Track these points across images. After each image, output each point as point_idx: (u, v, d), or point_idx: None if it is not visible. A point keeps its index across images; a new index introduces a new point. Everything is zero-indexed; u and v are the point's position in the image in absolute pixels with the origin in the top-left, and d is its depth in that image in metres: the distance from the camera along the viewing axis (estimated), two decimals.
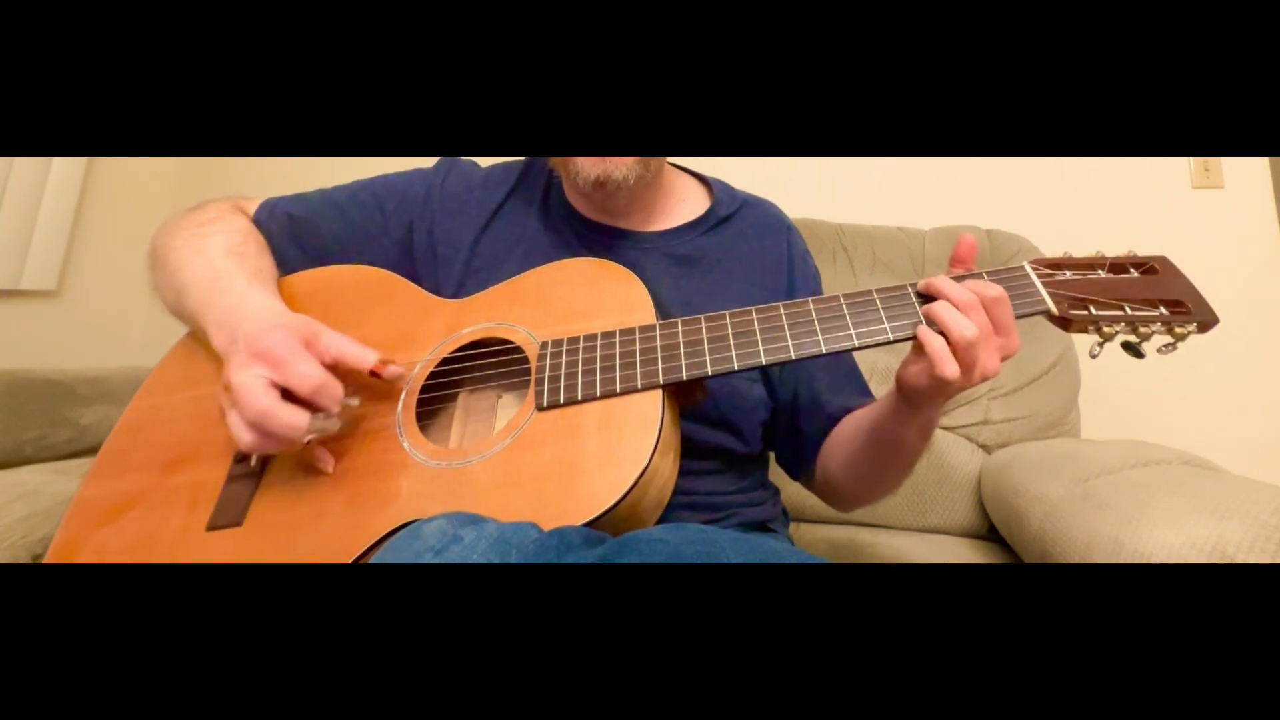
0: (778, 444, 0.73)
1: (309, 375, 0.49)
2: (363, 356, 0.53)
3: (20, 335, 1.24)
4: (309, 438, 0.50)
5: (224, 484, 0.54)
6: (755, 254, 0.70)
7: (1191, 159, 1.29)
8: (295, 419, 0.48)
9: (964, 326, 0.47)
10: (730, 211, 0.71)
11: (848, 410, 0.67)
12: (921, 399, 0.52)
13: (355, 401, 0.54)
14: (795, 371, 0.68)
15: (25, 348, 1.23)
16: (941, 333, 0.48)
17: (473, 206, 0.69)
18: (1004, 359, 0.49)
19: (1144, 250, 0.54)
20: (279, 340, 0.49)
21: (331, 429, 0.51)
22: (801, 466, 0.71)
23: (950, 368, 0.47)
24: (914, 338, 0.50)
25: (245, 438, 0.48)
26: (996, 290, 0.48)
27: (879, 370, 1.08)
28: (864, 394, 0.71)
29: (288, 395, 0.49)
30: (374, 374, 0.53)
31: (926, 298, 0.50)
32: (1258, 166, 1.29)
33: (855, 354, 0.72)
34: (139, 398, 0.62)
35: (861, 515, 1.03)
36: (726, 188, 0.75)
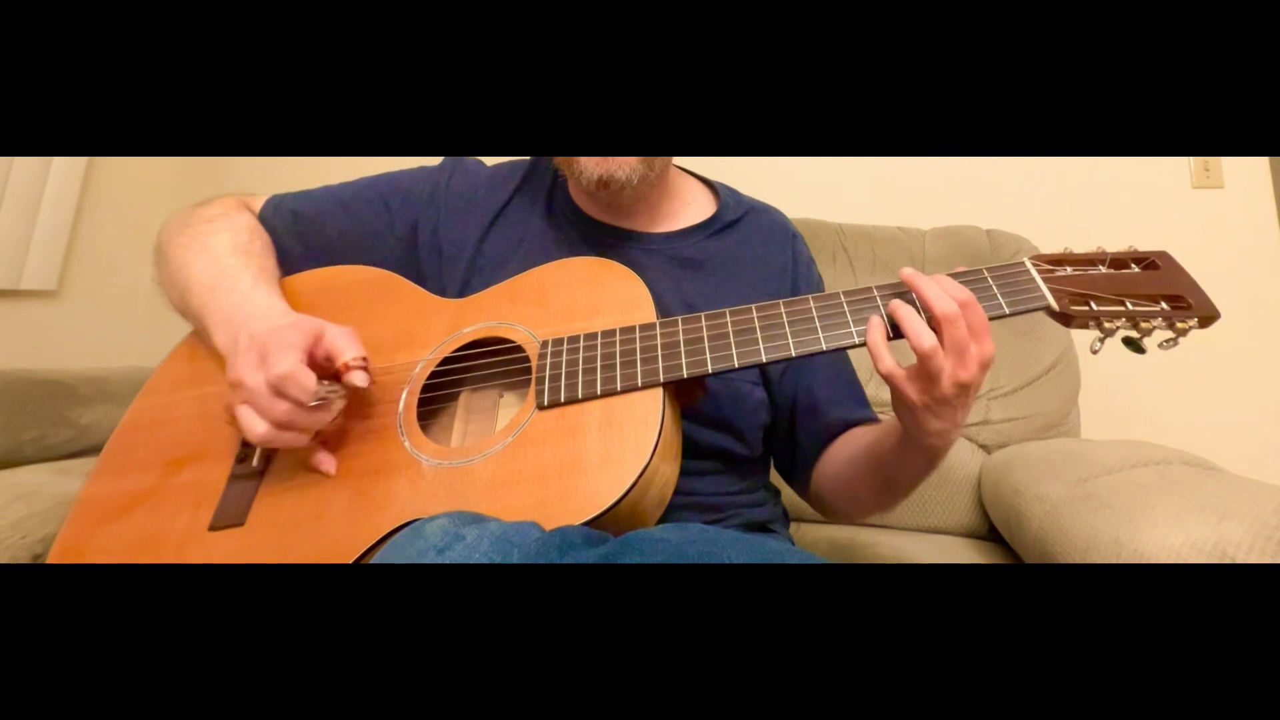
0: (775, 450, 0.73)
1: (275, 366, 0.48)
2: (339, 350, 0.52)
3: (20, 335, 1.23)
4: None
5: (226, 484, 0.54)
6: (760, 260, 0.70)
7: (1191, 159, 1.29)
8: (320, 416, 0.50)
9: (922, 335, 0.46)
10: (736, 216, 0.71)
11: (846, 422, 0.67)
12: (905, 415, 0.51)
13: (335, 392, 0.52)
14: (795, 377, 0.68)
15: (25, 348, 1.23)
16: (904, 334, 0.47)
17: (477, 205, 0.69)
18: (982, 366, 0.47)
19: (1143, 249, 0.54)
20: (280, 338, 0.50)
21: (333, 412, 0.52)
22: (796, 474, 0.71)
23: (884, 362, 0.48)
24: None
25: (258, 429, 0.48)
26: (965, 294, 0.47)
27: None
28: (863, 405, 0.70)
29: None
30: (339, 372, 0.52)
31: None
32: (1258, 166, 1.29)
33: (855, 358, 0.72)
34: (142, 396, 0.62)
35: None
36: (733, 192, 0.75)
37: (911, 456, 0.54)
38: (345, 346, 0.52)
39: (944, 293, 0.47)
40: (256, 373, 0.49)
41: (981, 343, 0.47)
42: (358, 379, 0.51)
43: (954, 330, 0.46)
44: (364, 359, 0.52)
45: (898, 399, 0.50)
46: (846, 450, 0.65)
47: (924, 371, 0.47)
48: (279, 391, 0.48)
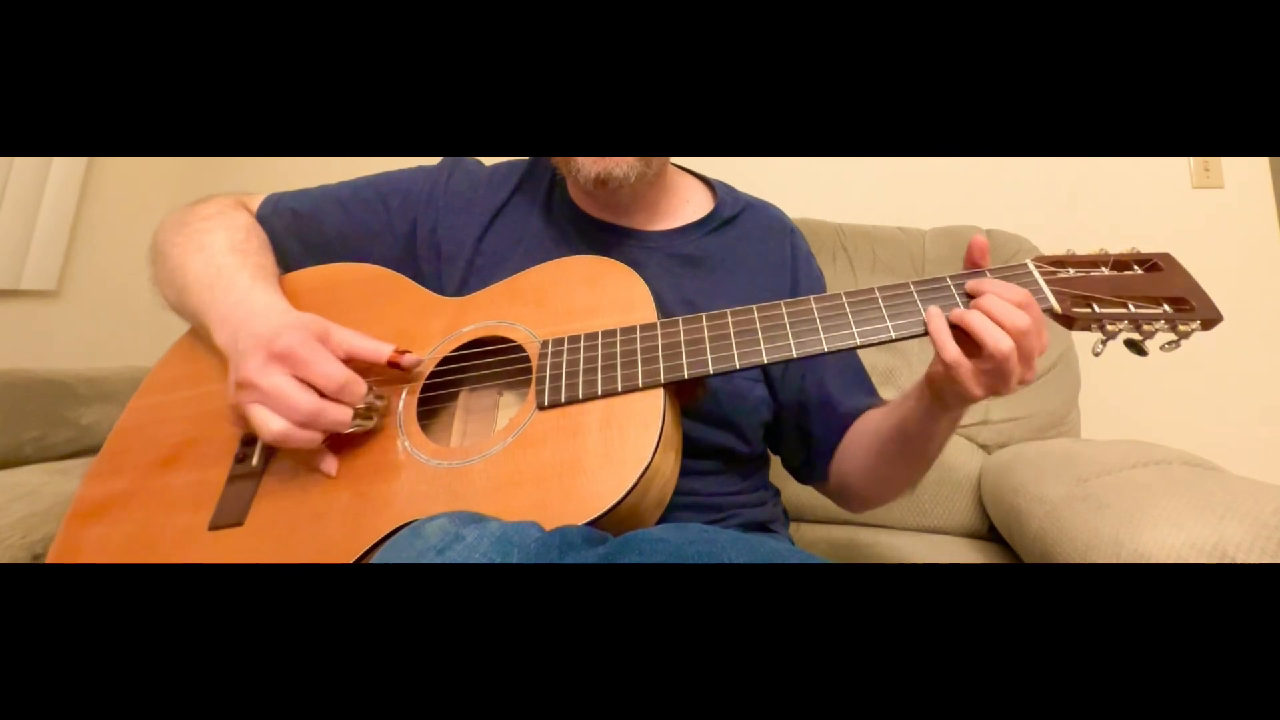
0: (785, 448, 0.72)
1: (333, 375, 0.49)
2: (376, 350, 0.53)
3: (20, 335, 1.23)
4: (350, 430, 0.51)
5: (225, 483, 0.54)
6: (758, 256, 0.70)
7: (1191, 159, 1.29)
8: (343, 415, 0.50)
9: (1000, 340, 0.46)
10: (734, 213, 0.71)
11: (859, 412, 0.67)
12: (953, 398, 0.51)
13: (383, 401, 0.54)
14: (801, 374, 0.68)
15: (25, 348, 1.23)
16: (974, 336, 0.47)
17: (476, 205, 0.69)
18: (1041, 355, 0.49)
19: (1145, 249, 0.54)
20: (297, 340, 0.49)
21: (367, 426, 0.53)
22: (813, 471, 0.70)
23: (949, 351, 0.47)
24: (919, 335, 0.49)
25: (274, 426, 0.48)
26: (1024, 296, 0.48)
27: (879, 370, 1.08)
28: (872, 394, 0.70)
29: None
30: (392, 364, 0.53)
31: (928, 294, 0.50)
32: (1258, 166, 1.29)
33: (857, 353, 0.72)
34: (139, 397, 0.62)
35: (862, 516, 1.03)
36: (730, 189, 0.75)
37: (942, 427, 0.56)
38: (366, 344, 0.53)
39: (1011, 306, 0.47)
40: (272, 374, 0.48)
41: (1041, 338, 0.48)
42: (410, 360, 0.54)
43: (1026, 341, 0.47)
44: (401, 349, 0.54)
45: (951, 385, 0.49)
46: (864, 435, 0.65)
47: (997, 371, 0.47)
48: (339, 398, 0.50)
